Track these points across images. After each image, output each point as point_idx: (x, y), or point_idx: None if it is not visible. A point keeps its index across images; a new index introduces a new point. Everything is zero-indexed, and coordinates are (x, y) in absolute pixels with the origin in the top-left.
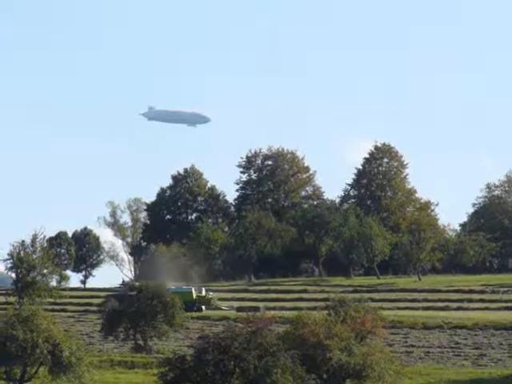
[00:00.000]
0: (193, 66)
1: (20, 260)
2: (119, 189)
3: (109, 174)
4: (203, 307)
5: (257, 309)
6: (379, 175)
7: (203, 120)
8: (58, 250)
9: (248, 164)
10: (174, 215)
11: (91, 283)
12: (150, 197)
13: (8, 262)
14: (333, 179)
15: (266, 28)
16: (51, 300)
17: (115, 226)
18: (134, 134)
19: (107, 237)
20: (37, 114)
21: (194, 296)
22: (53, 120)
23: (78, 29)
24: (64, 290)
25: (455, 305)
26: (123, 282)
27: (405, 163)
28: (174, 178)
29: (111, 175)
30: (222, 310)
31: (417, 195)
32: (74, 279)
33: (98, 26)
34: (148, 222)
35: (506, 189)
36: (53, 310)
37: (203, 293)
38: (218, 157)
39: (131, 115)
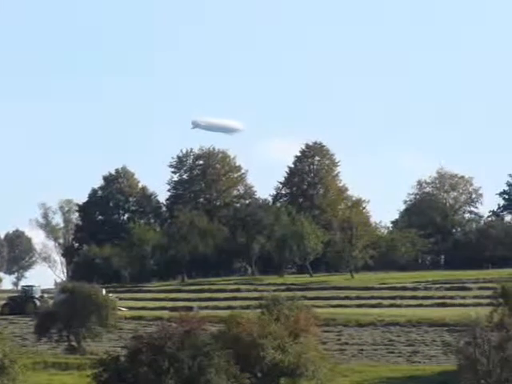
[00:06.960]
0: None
1: None
2: (51, 190)
3: (40, 175)
4: None
5: (190, 308)
6: (311, 173)
7: (236, 130)
8: None
9: (179, 164)
10: (106, 216)
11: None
12: (82, 198)
13: None
14: (264, 178)
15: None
16: None
17: (47, 227)
18: None
19: (39, 238)
20: None
21: None
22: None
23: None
24: None
25: (388, 302)
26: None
27: (336, 161)
28: (106, 178)
29: (42, 176)
30: (120, 310)
31: (348, 193)
32: (7, 281)
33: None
34: (80, 223)
35: (437, 185)
36: None
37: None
38: (149, 157)
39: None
